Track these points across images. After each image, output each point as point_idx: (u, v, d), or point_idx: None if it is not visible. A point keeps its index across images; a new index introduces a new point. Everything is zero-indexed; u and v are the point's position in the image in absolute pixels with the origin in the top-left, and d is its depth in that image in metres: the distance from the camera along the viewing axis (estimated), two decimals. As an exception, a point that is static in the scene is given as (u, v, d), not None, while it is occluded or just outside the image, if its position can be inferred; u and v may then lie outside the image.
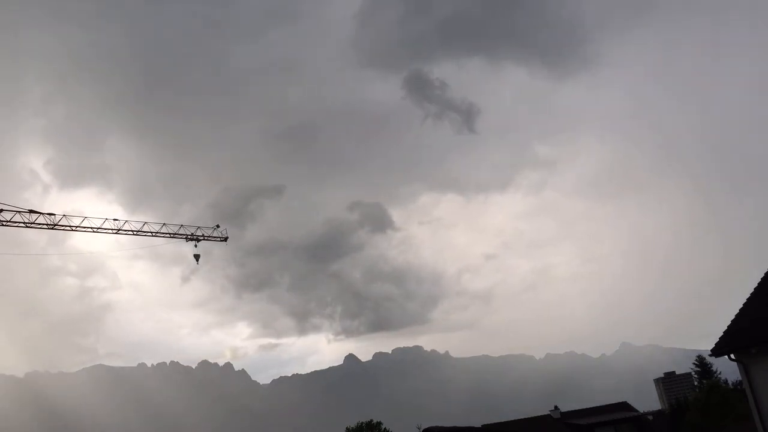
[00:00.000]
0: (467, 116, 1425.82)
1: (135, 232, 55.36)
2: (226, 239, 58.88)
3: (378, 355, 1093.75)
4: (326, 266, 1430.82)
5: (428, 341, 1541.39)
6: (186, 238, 57.19)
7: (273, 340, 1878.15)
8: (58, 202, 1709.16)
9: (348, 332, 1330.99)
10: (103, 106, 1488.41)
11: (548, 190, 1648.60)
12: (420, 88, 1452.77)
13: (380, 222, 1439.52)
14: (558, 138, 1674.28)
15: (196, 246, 57.33)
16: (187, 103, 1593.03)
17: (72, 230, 51.85)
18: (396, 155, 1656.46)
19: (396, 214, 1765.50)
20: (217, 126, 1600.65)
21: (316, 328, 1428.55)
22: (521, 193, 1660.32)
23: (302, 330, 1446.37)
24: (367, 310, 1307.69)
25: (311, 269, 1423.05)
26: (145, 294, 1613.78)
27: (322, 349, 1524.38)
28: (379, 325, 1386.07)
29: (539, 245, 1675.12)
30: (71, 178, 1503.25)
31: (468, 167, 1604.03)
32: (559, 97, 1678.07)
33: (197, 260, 57.78)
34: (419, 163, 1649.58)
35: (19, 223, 49.92)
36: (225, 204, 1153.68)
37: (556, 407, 62.04)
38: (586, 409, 63.93)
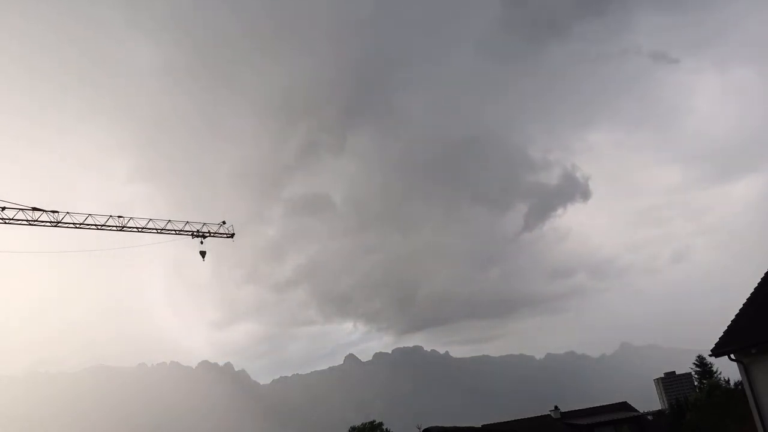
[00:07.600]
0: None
1: (139, 230, 54.81)
2: (232, 236, 58.38)
3: (378, 356, 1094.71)
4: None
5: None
6: (192, 234, 56.60)
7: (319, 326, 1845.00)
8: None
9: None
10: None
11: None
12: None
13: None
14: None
15: (201, 243, 56.85)
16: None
17: (76, 228, 51.36)
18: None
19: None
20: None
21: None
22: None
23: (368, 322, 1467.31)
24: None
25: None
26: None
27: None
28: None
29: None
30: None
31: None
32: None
33: (203, 257, 57.15)
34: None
35: (22, 220, 48.97)
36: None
37: (556, 407, 61.96)
38: (586, 409, 63.80)
